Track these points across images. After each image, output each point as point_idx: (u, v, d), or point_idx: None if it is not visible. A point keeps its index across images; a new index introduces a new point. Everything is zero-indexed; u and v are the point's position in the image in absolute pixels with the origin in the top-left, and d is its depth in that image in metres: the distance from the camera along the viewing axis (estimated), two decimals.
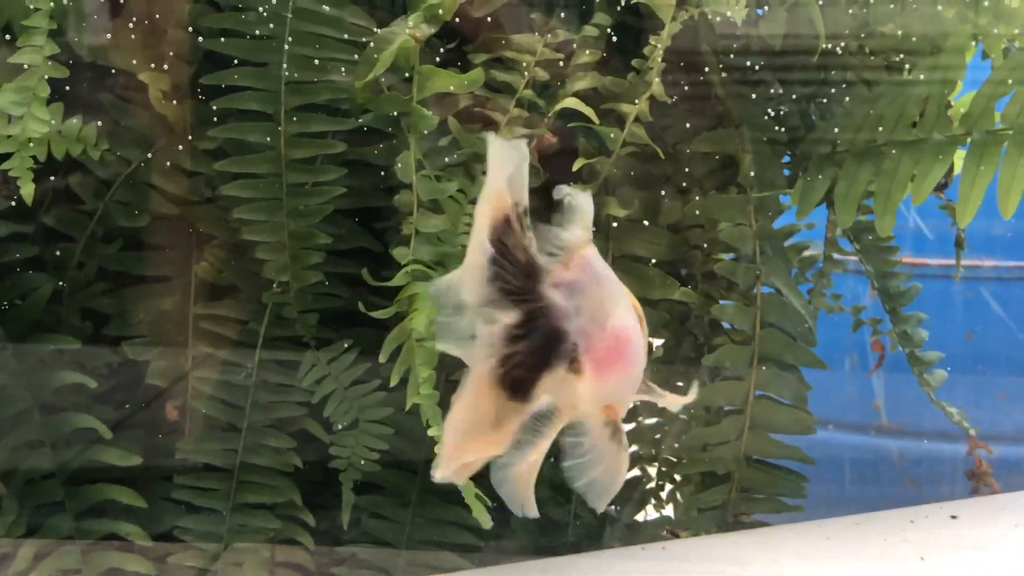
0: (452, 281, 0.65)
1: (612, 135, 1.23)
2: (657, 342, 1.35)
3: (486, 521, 0.97)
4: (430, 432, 0.99)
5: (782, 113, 1.43)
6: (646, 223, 1.32)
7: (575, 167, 1.23)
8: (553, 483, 1.25)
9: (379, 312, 1.07)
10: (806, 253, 1.54)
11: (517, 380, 0.65)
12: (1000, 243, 1.83)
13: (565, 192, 0.68)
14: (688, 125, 1.33)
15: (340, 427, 1.16)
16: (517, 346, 0.64)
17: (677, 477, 1.37)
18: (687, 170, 1.35)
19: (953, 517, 1.30)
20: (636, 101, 1.21)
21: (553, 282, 0.66)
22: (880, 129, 1.36)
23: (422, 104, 1.10)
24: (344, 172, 1.14)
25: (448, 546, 1.19)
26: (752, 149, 1.34)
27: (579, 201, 0.68)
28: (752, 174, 1.32)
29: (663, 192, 1.33)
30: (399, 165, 1.11)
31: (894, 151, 1.35)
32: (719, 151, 1.34)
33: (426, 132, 1.13)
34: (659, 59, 1.18)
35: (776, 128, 1.39)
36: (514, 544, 1.22)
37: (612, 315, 0.67)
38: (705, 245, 1.32)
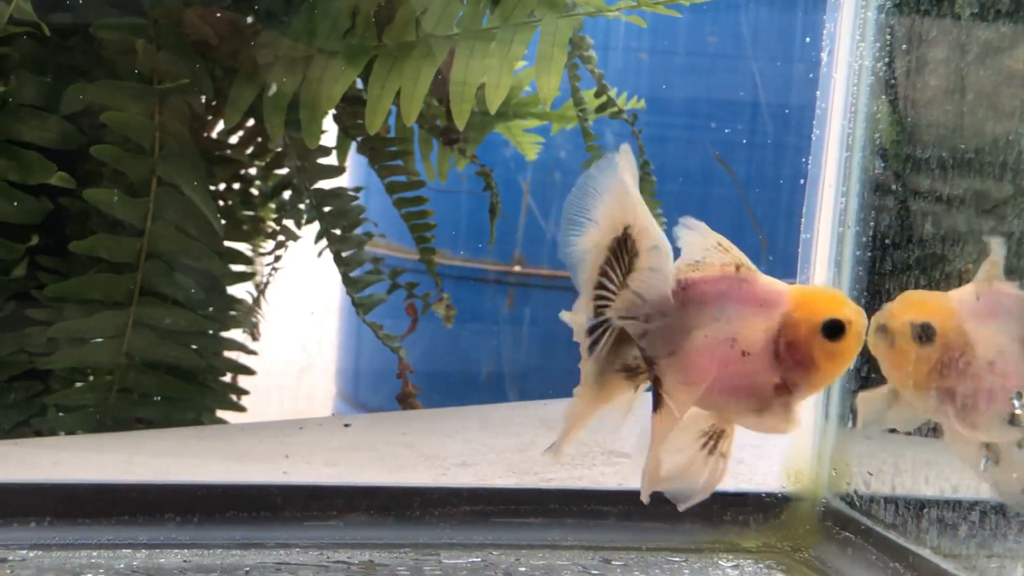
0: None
1: None
2: None
3: None
4: None
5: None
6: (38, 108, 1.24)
7: None
8: None
9: None
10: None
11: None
12: None
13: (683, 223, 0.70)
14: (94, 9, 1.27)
15: None
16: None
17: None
18: (97, 56, 1.28)
19: (347, 425, 1.29)
20: None
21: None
22: (314, 38, 1.35)
23: None
24: None
25: None
26: (161, 41, 1.29)
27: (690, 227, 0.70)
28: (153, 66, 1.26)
29: (64, 78, 1.25)
30: None
31: (320, 59, 1.33)
32: (125, 39, 1.27)
33: None
34: None
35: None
36: None
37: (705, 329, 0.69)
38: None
